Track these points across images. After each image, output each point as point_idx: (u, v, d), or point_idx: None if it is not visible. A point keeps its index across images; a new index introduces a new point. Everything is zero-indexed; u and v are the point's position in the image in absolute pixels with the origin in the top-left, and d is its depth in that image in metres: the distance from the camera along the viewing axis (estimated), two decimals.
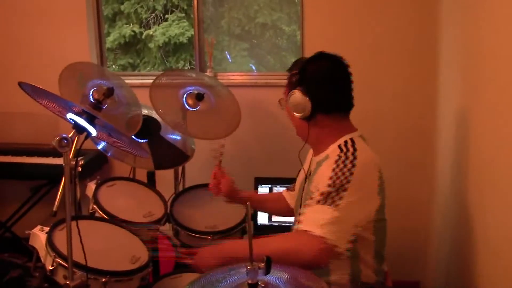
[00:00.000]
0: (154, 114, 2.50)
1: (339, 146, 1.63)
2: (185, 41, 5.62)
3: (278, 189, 2.82)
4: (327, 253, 1.47)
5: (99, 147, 2.33)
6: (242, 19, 3.99)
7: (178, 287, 1.98)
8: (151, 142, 2.47)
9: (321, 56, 1.69)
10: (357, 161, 1.56)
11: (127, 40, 5.76)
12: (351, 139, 1.64)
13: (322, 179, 1.58)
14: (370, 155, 1.62)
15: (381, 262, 1.69)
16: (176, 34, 5.62)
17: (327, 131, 1.67)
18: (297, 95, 1.63)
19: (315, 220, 1.50)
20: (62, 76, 2.19)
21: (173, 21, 5.70)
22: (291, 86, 1.68)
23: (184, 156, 2.56)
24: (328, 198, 1.51)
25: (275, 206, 2.10)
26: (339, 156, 1.58)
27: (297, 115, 1.66)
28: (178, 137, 2.58)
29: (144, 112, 2.45)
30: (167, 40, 5.67)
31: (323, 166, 1.64)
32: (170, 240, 2.87)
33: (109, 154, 2.40)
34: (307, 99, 1.62)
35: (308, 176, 1.77)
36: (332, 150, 1.64)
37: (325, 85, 1.65)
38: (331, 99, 1.66)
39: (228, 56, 4.10)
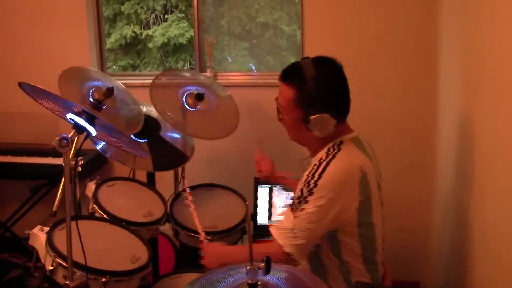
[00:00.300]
0: (153, 114, 2.50)
1: (327, 150, 1.63)
2: (184, 42, 5.62)
3: (278, 189, 2.82)
4: (280, 255, 1.58)
5: (98, 148, 2.32)
6: (242, 18, 3.98)
7: (178, 287, 1.98)
8: (151, 142, 2.47)
9: (322, 64, 1.62)
10: (329, 167, 1.56)
11: (128, 41, 5.75)
12: (340, 142, 1.64)
13: (300, 182, 1.62)
14: (350, 159, 1.60)
15: (372, 265, 1.68)
16: (175, 35, 5.62)
17: (327, 136, 1.65)
18: (323, 118, 1.56)
19: (280, 223, 1.63)
20: (61, 77, 2.19)
21: (173, 21, 5.70)
22: (307, 107, 1.58)
23: (184, 157, 2.55)
24: (294, 205, 1.60)
25: None
26: (319, 159, 1.60)
27: (320, 135, 1.60)
28: (177, 137, 2.58)
29: (144, 110, 2.45)
30: (166, 41, 5.67)
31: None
32: (169, 240, 2.88)
33: (108, 155, 2.38)
34: (333, 118, 1.57)
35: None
36: (323, 152, 1.65)
37: (341, 97, 1.63)
38: (347, 106, 1.66)
39: (228, 58, 4.10)
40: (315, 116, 1.56)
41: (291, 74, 1.64)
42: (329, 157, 1.58)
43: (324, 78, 1.58)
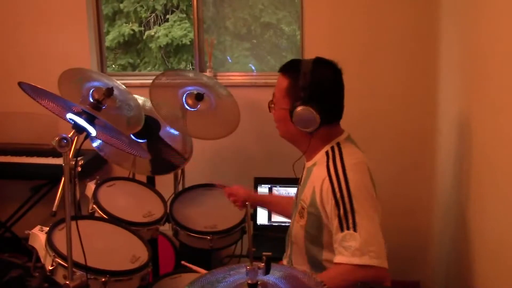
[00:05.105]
0: (154, 114, 2.50)
1: (326, 153, 1.64)
2: (188, 42, 5.61)
3: (278, 189, 2.82)
4: (378, 276, 1.47)
5: (94, 145, 2.29)
6: (244, 19, 3.98)
7: (178, 287, 1.98)
8: (151, 142, 2.47)
9: (321, 64, 1.64)
10: (347, 168, 1.56)
11: (126, 39, 5.73)
12: (337, 144, 1.65)
13: (326, 196, 1.56)
14: (356, 156, 1.63)
15: None
16: (179, 36, 5.61)
17: (320, 139, 1.66)
18: (306, 111, 1.57)
19: (347, 251, 1.48)
20: (61, 78, 2.19)
21: (174, 21, 5.68)
22: (295, 98, 1.60)
23: (183, 159, 2.56)
24: (344, 222, 1.50)
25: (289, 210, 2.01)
26: (328, 167, 1.58)
27: (304, 130, 1.61)
28: (177, 138, 2.58)
29: (144, 103, 2.46)
30: (170, 41, 5.66)
31: (312, 176, 1.66)
32: (169, 240, 2.88)
33: (102, 153, 2.34)
34: (317, 115, 1.57)
35: (300, 183, 1.78)
36: (320, 157, 1.65)
37: (332, 98, 1.64)
38: (337, 110, 1.67)
39: (228, 58, 4.09)
40: (300, 108, 1.58)
41: (289, 66, 1.68)
42: (337, 161, 1.59)
43: (319, 75, 1.60)
